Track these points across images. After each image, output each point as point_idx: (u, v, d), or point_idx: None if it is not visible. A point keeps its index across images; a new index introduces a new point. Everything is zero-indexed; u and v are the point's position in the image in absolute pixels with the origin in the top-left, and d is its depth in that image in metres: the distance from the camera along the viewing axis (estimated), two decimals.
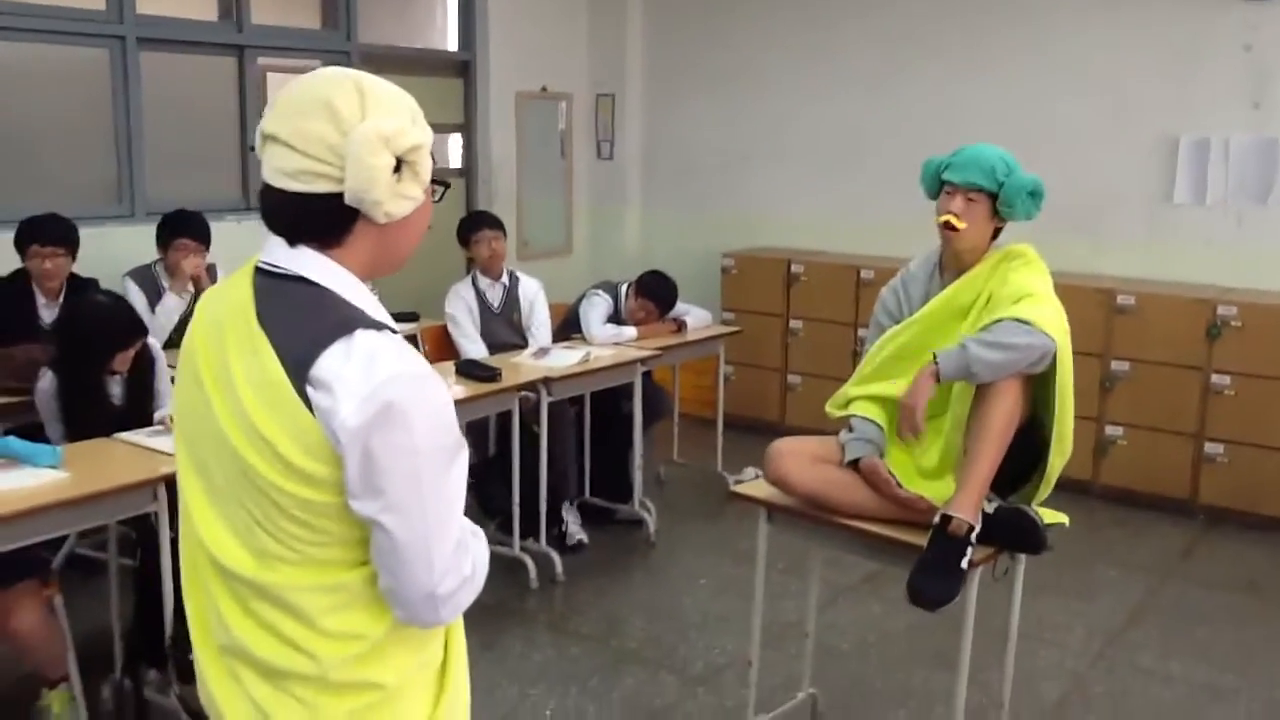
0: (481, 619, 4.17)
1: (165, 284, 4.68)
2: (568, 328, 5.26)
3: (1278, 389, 5.13)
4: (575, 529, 4.83)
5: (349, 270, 1.46)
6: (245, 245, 5.59)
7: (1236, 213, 5.58)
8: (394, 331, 1.43)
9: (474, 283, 5.04)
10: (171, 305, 4.64)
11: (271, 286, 1.45)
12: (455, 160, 7.01)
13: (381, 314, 1.46)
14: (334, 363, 1.36)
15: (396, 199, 1.42)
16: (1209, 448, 5.33)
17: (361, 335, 1.38)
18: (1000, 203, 2.81)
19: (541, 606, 4.32)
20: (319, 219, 1.44)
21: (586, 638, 4.06)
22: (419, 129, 1.45)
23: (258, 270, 1.47)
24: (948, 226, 2.83)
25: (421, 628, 1.50)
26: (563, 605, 4.34)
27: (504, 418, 4.53)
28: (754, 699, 3.25)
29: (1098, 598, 4.51)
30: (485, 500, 4.66)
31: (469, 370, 4.31)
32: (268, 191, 1.45)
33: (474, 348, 4.82)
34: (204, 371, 1.47)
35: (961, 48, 6.24)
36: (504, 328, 5.02)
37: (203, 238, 4.72)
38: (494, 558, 4.54)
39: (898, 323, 3.01)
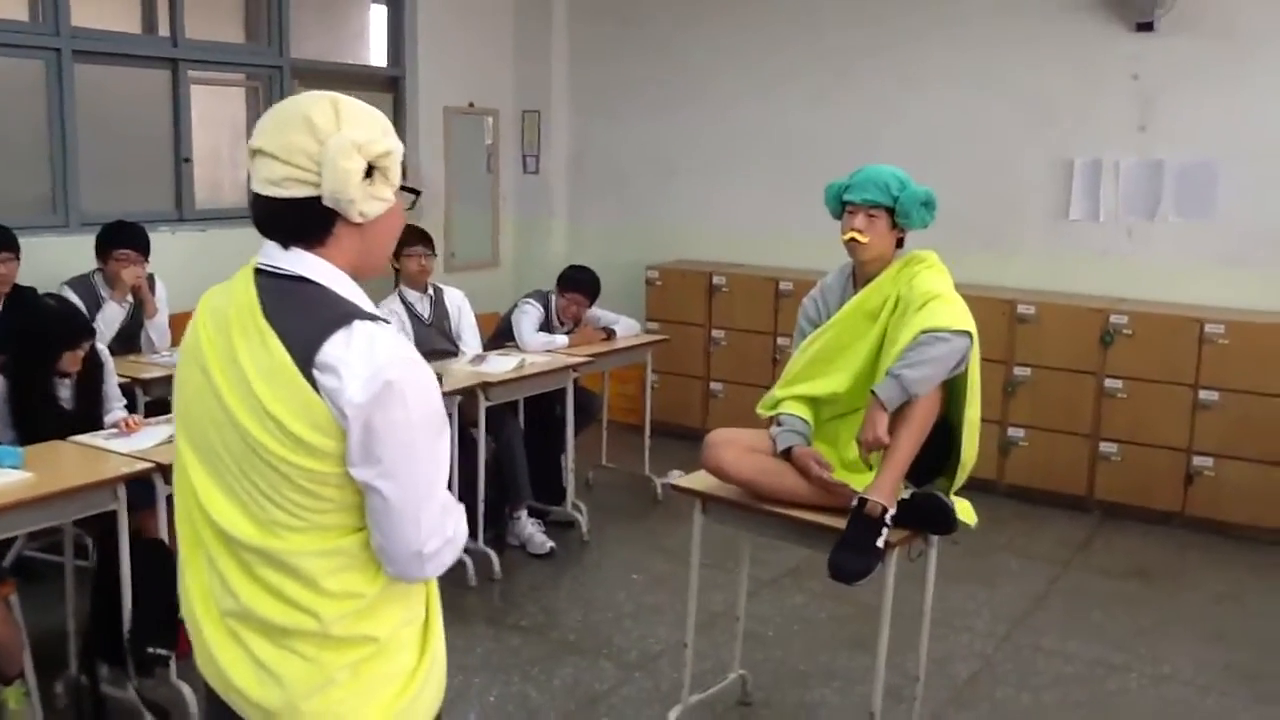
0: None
1: (104, 293, 4.76)
2: (500, 337, 5.44)
3: (1166, 391, 5.53)
4: (542, 538, 4.99)
5: (339, 269, 1.66)
6: (180, 256, 5.72)
7: (1127, 228, 5.99)
8: (387, 322, 1.63)
9: (401, 296, 5.18)
10: (112, 314, 4.72)
11: (274, 286, 1.63)
12: None
13: (371, 308, 1.66)
14: (337, 349, 1.56)
15: (368, 199, 1.62)
16: (1103, 447, 5.71)
17: (359, 325, 1.58)
18: (897, 215, 3.11)
19: (481, 602, 4.49)
20: (303, 221, 1.63)
21: (526, 630, 4.24)
22: (389, 139, 1.66)
23: (258, 271, 1.65)
24: (853, 242, 3.12)
25: (408, 583, 1.70)
26: (501, 601, 4.52)
27: None
28: (689, 679, 3.46)
29: (1003, 586, 4.83)
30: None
31: None
32: (257, 200, 1.64)
33: None
34: (210, 364, 1.64)
35: (886, 67, 6.57)
36: (437, 336, 5.18)
37: (143, 248, 4.81)
38: None
39: (818, 328, 3.27)
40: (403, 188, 1.70)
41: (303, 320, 1.59)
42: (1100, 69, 5.96)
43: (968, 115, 6.33)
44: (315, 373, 1.55)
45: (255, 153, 1.63)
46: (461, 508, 1.75)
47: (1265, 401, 5.31)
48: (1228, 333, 5.37)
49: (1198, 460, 5.48)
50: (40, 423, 3.64)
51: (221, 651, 1.69)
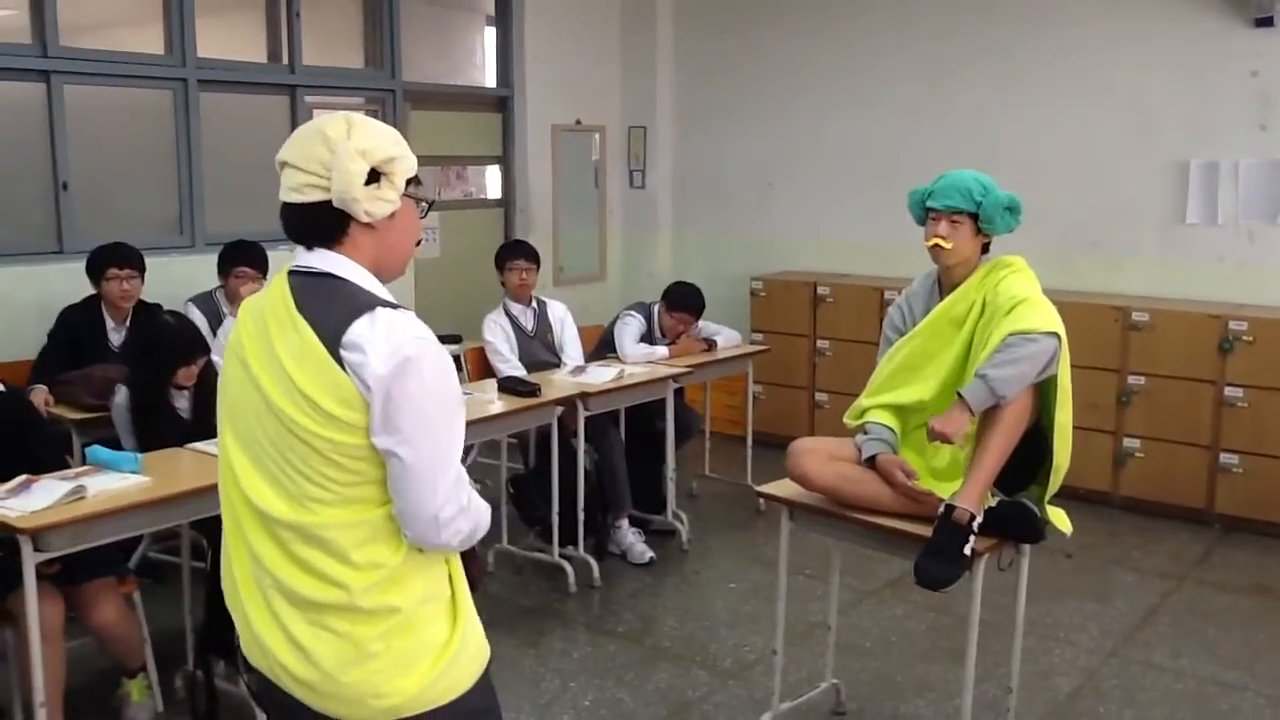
0: (524, 620, 4.43)
1: (226, 309, 4.99)
2: (603, 348, 5.53)
3: None
4: (642, 547, 5.04)
5: (360, 266, 1.84)
6: None
7: (1247, 231, 5.78)
8: (406, 309, 1.80)
9: (506, 309, 5.31)
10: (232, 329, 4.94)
11: (304, 283, 1.82)
12: (494, 191, 7.34)
13: (391, 299, 1.83)
14: (362, 330, 1.74)
15: (373, 200, 1.79)
16: (1223, 458, 5.50)
17: (381, 311, 1.76)
18: (981, 220, 3.07)
19: (580, 609, 4.57)
20: (319, 223, 1.81)
21: (622, 637, 4.30)
22: (396, 149, 1.82)
23: (291, 273, 1.85)
24: (936, 248, 3.10)
25: (430, 549, 1.81)
26: (600, 608, 4.59)
27: (543, 432, 4.79)
28: (779, 686, 3.47)
29: (1114, 600, 4.69)
30: (526, 509, 4.92)
31: (510, 386, 4.59)
32: (284, 208, 1.84)
33: (512, 370, 5.07)
34: (250, 357, 1.82)
35: (987, 75, 6.49)
36: (540, 348, 5.30)
37: (260, 266, 5.03)
38: (534, 564, 4.84)
39: (903, 336, 3.26)
40: (408, 194, 1.87)
41: (329, 309, 1.77)
42: (1217, 67, 5.77)
43: (1075, 119, 6.19)
44: (342, 352, 1.73)
45: (281, 165, 1.83)
46: (480, 500, 1.87)
47: None
48: None
49: None
50: (160, 431, 3.84)
51: (264, 630, 1.84)
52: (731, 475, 6.01)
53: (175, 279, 5.22)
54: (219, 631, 3.51)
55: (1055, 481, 3.03)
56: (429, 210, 1.96)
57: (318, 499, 1.77)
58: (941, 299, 3.18)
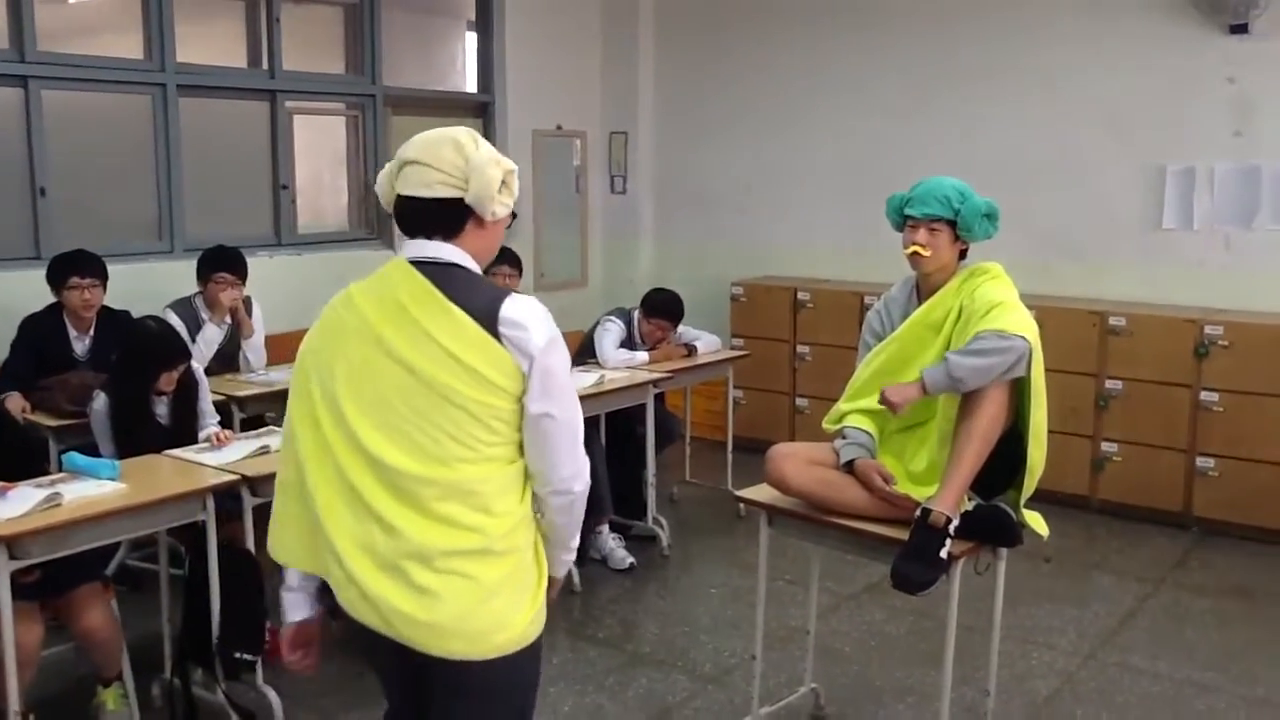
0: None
1: (204, 315, 4.98)
2: (583, 353, 5.53)
3: (1264, 404, 5.35)
4: (622, 553, 5.04)
5: (469, 255, 2.11)
6: (277, 279, 5.93)
7: (1223, 236, 5.83)
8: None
9: None
10: (211, 335, 4.94)
11: (434, 272, 2.07)
12: None
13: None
14: (514, 313, 2.03)
15: (499, 203, 2.09)
16: (1200, 462, 5.54)
17: (516, 296, 2.07)
18: (959, 228, 3.09)
19: (560, 614, 4.56)
20: (446, 217, 2.09)
21: (602, 642, 4.30)
22: (511, 163, 2.13)
23: (415, 263, 2.08)
24: (915, 256, 3.13)
25: (560, 498, 2.13)
26: (580, 613, 4.58)
27: None
28: (758, 691, 3.48)
29: (1092, 604, 4.72)
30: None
31: None
32: (408, 201, 2.10)
33: None
34: (390, 337, 2.04)
35: (967, 81, 6.52)
36: None
37: (240, 272, 5.02)
38: None
39: (882, 341, 3.28)
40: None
41: (473, 294, 2.05)
42: (1193, 73, 5.82)
43: (1053, 125, 6.24)
44: (501, 329, 2.02)
45: (406, 163, 2.10)
46: None
47: None
48: None
49: None
50: (139, 437, 3.83)
51: (378, 587, 2.02)
52: (712, 480, 6.02)
53: (154, 285, 5.20)
54: (196, 638, 3.52)
55: (1030, 483, 3.05)
56: (513, 221, 2.31)
57: (461, 458, 2.02)
58: (919, 304, 3.20)
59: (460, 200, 2.05)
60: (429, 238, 2.08)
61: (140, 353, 3.94)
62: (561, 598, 4.62)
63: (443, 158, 2.06)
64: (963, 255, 3.20)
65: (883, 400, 2.98)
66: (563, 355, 2.08)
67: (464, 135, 2.09)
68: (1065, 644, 4.32)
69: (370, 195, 6.55)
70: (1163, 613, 4.65)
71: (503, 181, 2.08)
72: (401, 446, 2.02)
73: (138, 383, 3.92)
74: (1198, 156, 5.84)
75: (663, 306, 5.57)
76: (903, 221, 3.20)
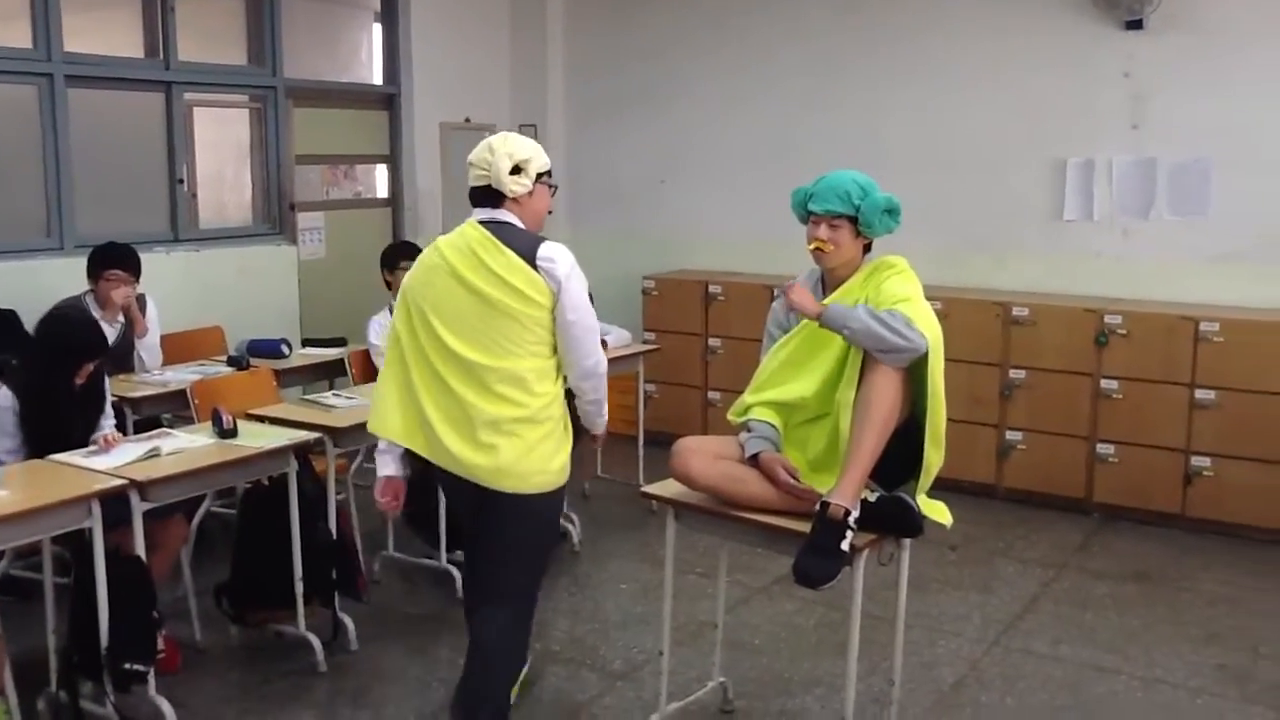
0: (412, 628, 4.34)
1: (96, 314, 4.79)
2: None
3: (1162, 391, 5.48)
4: None
5: (518, 218, 3.05)
6: (174, 276, 5.77)
7: (1121, 227, 5.96)
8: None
9: (391, 312, 5.19)
10: None
11: (495, 227, 3.01)
12: (382, 190, 7.20)
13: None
14: (548, 251, 2.98)
15: (513, 185, 3.02)
16: (1100, 448, 5.66)
17: (548, 241, 3.01)
18: (860, 223, 3.09)
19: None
20: (488, 198, 3.06)
21: None
22: (530, 153, 3.06)
23: (480, 223, 3.02)
24: (818, 251, 3.15)
25: (587, 381, 3.16)
26: None
27: None
28: (666, 687, 3.45)
29: (997, 591, 4.79)
30: (412, 515, 4.82)
31: None
32: (470, 190, 3.08)
33: None
34: (464, 271, 2.96)
35: (875, 72, 6.59)
36: None
37: (133, 269, 4.86)
38: (422, 570, 4.74)
39: (787, 333, 3.27)
40: (541, 182, 3.09)
41: (519, 240, 2.99)
42: (1092, 67, 5.94)
43: (959, 117, 6.32)
44: (539, 262, 2.95)
45: (469, 164, 3.07)
46: None
47: (1262, 400, 5.26)
48: (1222, 331, 5.32)
49: (1196, 460, 5.43)
50: (47, 430, 3.67)
51: (457, 445, 2.98)
52: (624, 476, 6.00)
53: (43, 283, 5.00)
54: (85, 651, 3.39)
55: (926, 481, 3.06)
56: (556, 190, 3.21)
57: (512, 353, 2.96)
58: (825, 297, 3.19)
59: (490, 185, 3.01)
60: (490, 209, 3.03)
61: (61, 341, 3.76)
62: None
63: (479, 157, 3.04)
64: (867, 248, 3.20)
65: (786, 289, 3.13)
66: (581, 281, 3.02)
67: (498, 138, 3.07)
68: (971, 631, 4.37)
69: (273, 190, 6.40)
70: (1065, 597, 4.73)
71: (515, 168, 3.00)
72: (473, 347, 2.95)
73: (58, 373, 3.72)
74: (1097, 149, 5.96)
75: None
76: (807, 215, 3.19)
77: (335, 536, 4.06)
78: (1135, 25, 5.75)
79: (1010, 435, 5.90)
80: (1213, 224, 5.71)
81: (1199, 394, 5.39)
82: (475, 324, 2.93)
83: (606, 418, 3.32)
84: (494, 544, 3.10)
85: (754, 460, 3.12)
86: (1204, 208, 5.73)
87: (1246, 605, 4.67)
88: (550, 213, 3.24)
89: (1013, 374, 5.85)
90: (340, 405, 4.36)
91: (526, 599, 3.24)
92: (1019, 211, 6.21)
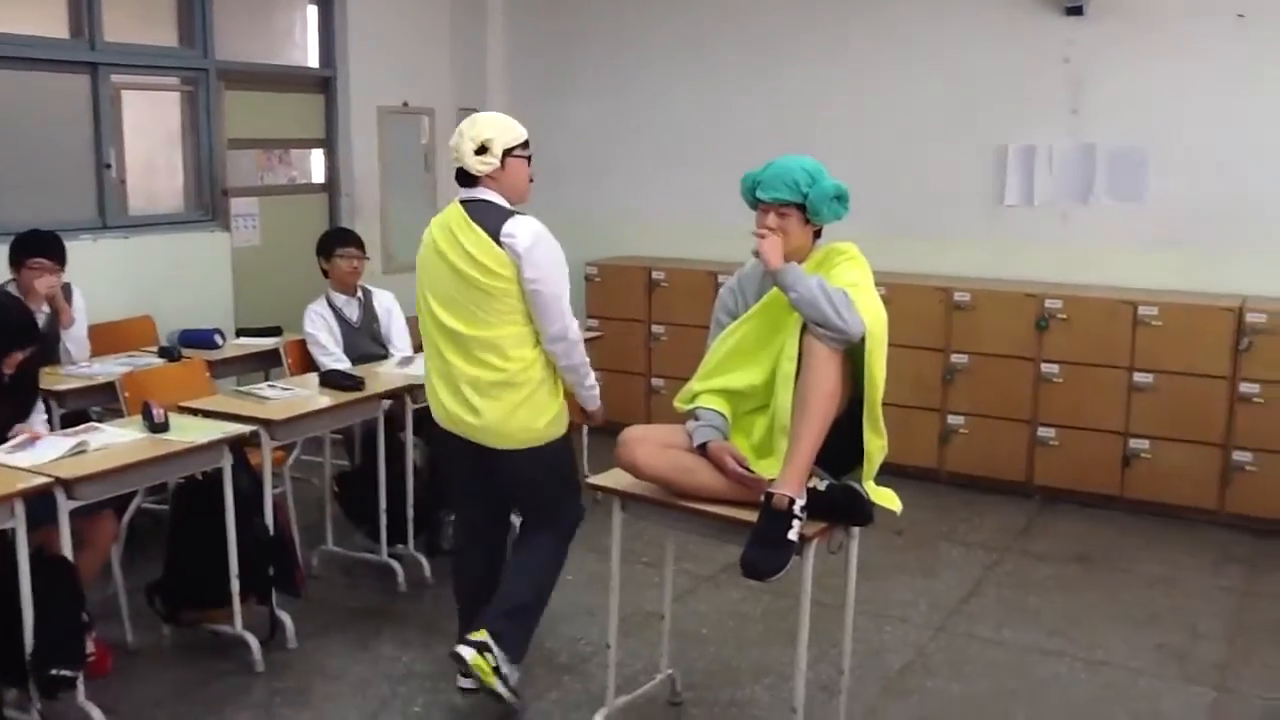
0: (352, 624, 4.25)
1: None
2: None
3: (1101, 375, 5.54)
4: None
5: (498, 195, 3.35)
6: (102, 264, 5.59)
7: (1061, 212, 6.00)
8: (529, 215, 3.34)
9: (329, 300, 5.09)
10: None
11: (472, 207, 3.32)
12: (318, 175, 7.04)
13: (520, 212, 3.36)
14: (512, 226, 3.27)
15: (479, 165, 3.31)
16: (1041, 432, 5.71)
17: (517, 216, 3.30)
18: (808, 211, 3.05)
19: (411, 609, 4.42)
20: (465, 177, 3.36)
21: (456, 637, 4.15)
22: (494, 133, 3.32)
23: (462, 202, 3.34)
24: (758, 244, 3.07)
25: (559, 344, 3.38)
26: (432, 607, 4.43)
27: (369, 427, 4.59)
28: (614, 681, 3.41)
29: (942, 575, 4.81)
30: (352, 508, 4.73)
31: (333, 380, 4.39)
32: (455, 171, 3.38)
33: (336, 364, 4.83)
34: (445, 250, 3.31)
35: (810, 56, 6.57)
36: (366, 340, 5.10)
37: (58, 257, 4.68)
38: (363, 564, 4.64)
39: (735, 320, 3.22)
40: (514, 156, 3.38)
41: (489, 218, 3.29)
42: (1032, 53, 5.97)
43: (900, 102, 6.33)
44: (502, 238, 3.25)
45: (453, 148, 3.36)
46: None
47: (1198, 382, 5.33)
48: (1161, 315, 5.38)
49: (1134, 443, 5.49)
50: None
51: (452, 406, 3.41)
52: None
53: None
54: (8, 656, 3.25)
55: (870, 469, 3.04)
56: (530, 160, 3.47)
57: (489, 322, 3.30)
58: (774, 283, 3.14)
59: (461, 168, 3.33)
60: (471, 188, 3.35)
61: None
62: (412, 591, 4.51)
63: (453, 143, 3.34)
64: (817, 235, 3.17)
65: (758, 240, 3.01)
66: (547, 251, 3.28)
67: (467, 122, 3.35)
68: (917, 616, 4.38)
69: (206, 175, 6.23)
70: (1008, 581, 4.76)
71: (479, 148, 3.29)
72: (457, 317, 3.32)
73: None
74: (1038, 134, 5.99)
75: None
76: (756, 202, 3.15)
77: (272, 532, 3.95)
78: (1075, 10, 5.79)
79: (952, 420, 5.92)
80: (1150, 209, 5.78)
81: (1137, 377, 5.45)
82: (456, 296, 3.30)
83: (595, 391, 3.58)
84: (513, 489, 3.59)
85: (702, 449, 3.07)
86: (1141, 193, 5.79)
87: (1183, 585, 4.73)
88: (531, 180, 3.47)
89: (955, 359, 5.88)
90: (275, 397, 4.24)
91: (562, 524, 3.62)
92: (960, 196, 6.24)
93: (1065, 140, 5.93)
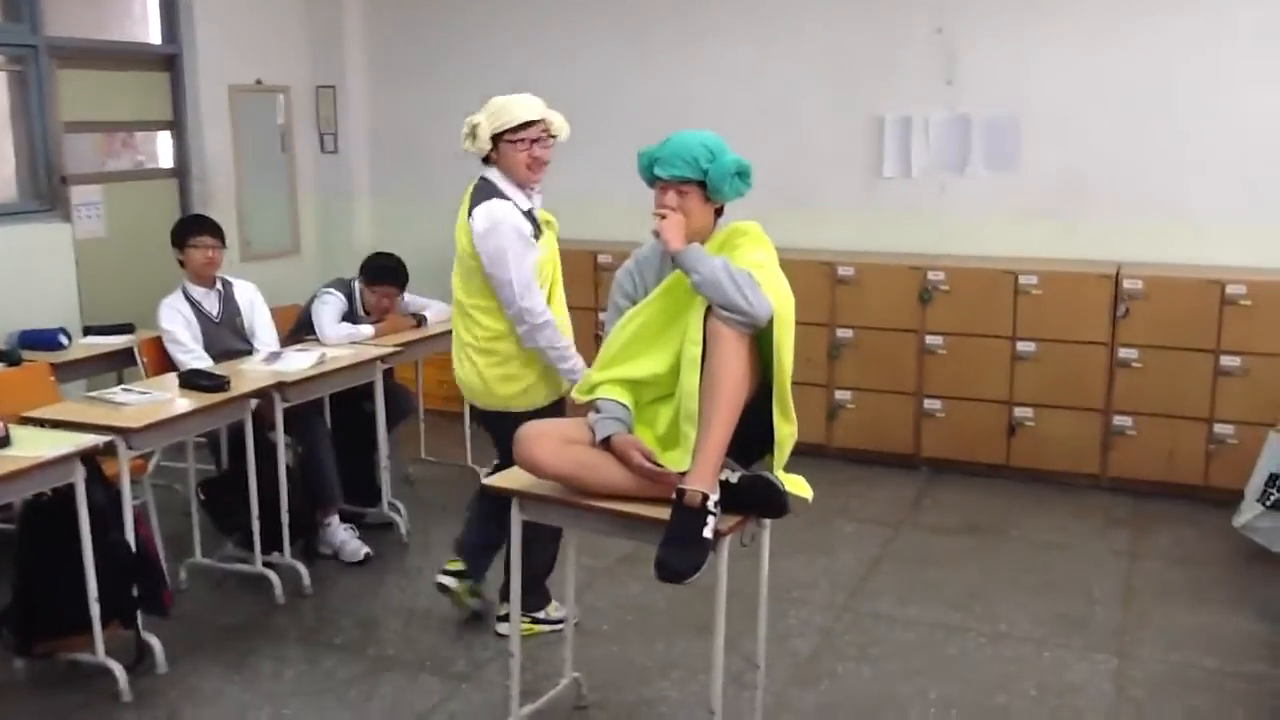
0: (226, 641, 3.96)
1: None
2: (300, 331, 5.04)
3: (984, 345, 5.55)
4: (356, 544, 4.65)
5: (501, 175, 3.62)
6: None
7: (939, 183, 6.00)
8: (506, 200, 3.61)
9: (185, 293, 4.73)
10: None
11: (477, 183, 3.65)
12: (166, 160, 6.59)
13: (512, 193, 3.63)
14: (479, 210, 3.55)
15: (472, 146, 3.62)
16: (927, 404, 5.71)
17: (491, 201, 3.55)
18: (709, 190, 2.90)
19: (290, 622, 4.13)
20: (474, 157, 3.68)
21: (340, 648, 3.91)
22: (482, 118, 3.62)
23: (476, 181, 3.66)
24: (657, 224, 2.91)
25: (519, 323, 3.59)
26: (313, 618, 4.16)
27: (236, 428, 4.27)
28: (517, 690, 3.21)
29: (839, 553, 4.75)
30: (221, 516, 4.40)
31: (194, 381, 4.06)
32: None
33: (196, 361, 4.50)
34: (458, 230, 3.64)
35: (681, 29, 6.42)
36: (228, 335, 4.75)
37: None
38: (235, 577, 4.32)
39: (635, 304, 3.05)
40: (505, 140, 3.60)
41: (477, 198, 3.60)
42: (904, 23, 5.94)
43: (775, 74, 6.23)
44: (471, 221, 3.56)
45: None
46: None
47: (1077, 349, 5.40)
48: (1040, 284, 5.42)
49: (1019, 412, 5.54)
50: None
51: (457, 362, 3.78)
52: (451, 456, 5.71)
53: None
54: None
55: (780, 456, 2.91)
56: (533, 142, 3.64)
57: (469, 290, 3.65)
58: (674, 266, 2.97)
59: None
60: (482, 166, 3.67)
61: None
62: (290, 602, 4.22)
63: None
64: (719, 213, 3.01)
65: (658, 220, 2.88)
66: (497, 239, 3.52)
67: (481, 109, 3.65)
68: (819, 598, 4.31)
69: (40, 162, 5.74)
70: (906, 555, 4.73)
71: (469, 132, 3.61)
72: (457, 282, 3.68)
73: None
74: (913, 105, 5.97)
75: (384, 272, 5.16)
76: (654, 180, 2.97)
77: (134, 548, 3.62)
78: None
79: (839, 395, 5.88)
80: (1024, 178, 5.81)
81: (1019, 346, 5.49)
82: (457, 264, 3.68)
83: (575, 376, 3.53)
84: (492, 442, 3.86)
85: (606, 443, 2.90)
86: (1015, 163, 5.82)
87: (1075, 550, 4.78)
88: (529, 165, 3.61)
89: (840, 334, 5.83)
90: (131, 402, 3.88)
91: None
92: (838, 169, 6.18)
93: (941, 111, 5.92)
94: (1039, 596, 4.31)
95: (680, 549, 2.63)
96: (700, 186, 2.92)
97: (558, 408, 3.73)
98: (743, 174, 2.94)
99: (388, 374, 4.95)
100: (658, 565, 2.64)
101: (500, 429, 3.57)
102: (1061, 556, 4.72)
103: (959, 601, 4.26)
